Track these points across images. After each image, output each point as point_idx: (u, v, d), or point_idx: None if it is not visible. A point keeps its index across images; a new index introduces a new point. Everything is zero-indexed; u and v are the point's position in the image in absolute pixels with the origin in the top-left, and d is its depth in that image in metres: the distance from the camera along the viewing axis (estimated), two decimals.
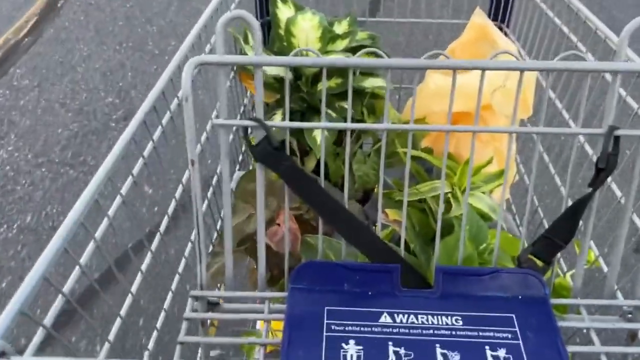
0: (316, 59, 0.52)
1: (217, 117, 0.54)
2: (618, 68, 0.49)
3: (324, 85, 0.53)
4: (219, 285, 0.74)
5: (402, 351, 0.51)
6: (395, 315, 0.55)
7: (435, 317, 0.54)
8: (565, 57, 0.52)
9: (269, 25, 1.11)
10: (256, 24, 0.51)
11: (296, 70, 0.90)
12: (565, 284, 0.74)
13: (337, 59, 0.52)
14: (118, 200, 0.53)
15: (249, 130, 0.55)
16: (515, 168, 1.01)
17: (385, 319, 0.54)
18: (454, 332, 0.53)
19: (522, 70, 0.51)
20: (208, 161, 1.13)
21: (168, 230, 0.66)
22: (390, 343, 0.52)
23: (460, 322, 0.54)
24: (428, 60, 0.51)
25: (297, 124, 0.55)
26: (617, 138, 0.52)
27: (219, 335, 0.73)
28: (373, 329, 0.53)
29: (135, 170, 0.57)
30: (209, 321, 0.71)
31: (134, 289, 0.57)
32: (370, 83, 0.92)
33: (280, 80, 0.89)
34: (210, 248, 0.84)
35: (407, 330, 0.53)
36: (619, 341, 0.57)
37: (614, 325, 0.54)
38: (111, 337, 0.51)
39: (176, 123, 0.64)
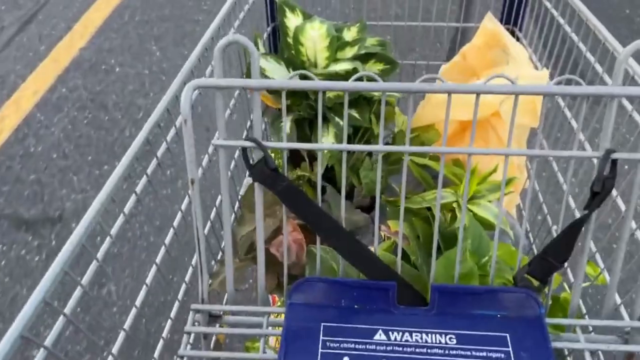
0: (313, 82, 0.53)
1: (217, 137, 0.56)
2: (615, 92, 0.49)
3: (319, 105, 0.54)
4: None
5: None
6: (390, 332, 0.56)
7: (429, 335, 0.55)
8: (563, 80, 0.51)
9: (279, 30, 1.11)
10: (253, 48, 0.52)
11: (305, 78, 0.90)
12: (569, 298, 0.74)
13: (334, 83, 0.52)
14: (127, 210, 0.55)
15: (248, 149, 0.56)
16: (526, 173, 1.01)
17: (380, 336, 0.55)
18: (447, 351, 0.54)
19: (516, 94, 0.51)
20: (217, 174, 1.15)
21: (174, 242, 0.68)
22: None
23: (454, 341, 0.55)
24: (423, 84, 0.52)
25: (293, 145, 0.56)
26: (614, 161, 0.52)
27: (229, 342, 0.76)
28: (367, 346, 0.54)
29: (138, 189, 0.59)
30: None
31: (138, 302, 0.60)
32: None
33: None
34: (220, 255, 0.86)
35: (400, 349, 0.54)
36: None
37: (608, 347, 0.54)
38: (115, 350, 0.53)
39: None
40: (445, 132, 0.54)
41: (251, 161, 0.56)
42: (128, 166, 0.53)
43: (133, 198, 0.58)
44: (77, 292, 0.48)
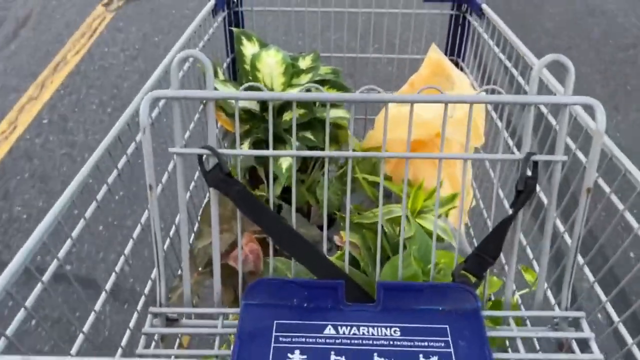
0: (262, 93, 0.58)
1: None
2: (531, 100, 0.55)
3: (270, 120, 0.59)
4: None
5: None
6: (339, 327, 0.59)
7: (375, 328, 0.59)
8: (486, 90, 0.57)
9: None
10: (207, 61, 0.57)
11: (262, 103, 0.96)
12: (514, 302, 0.80)
13: (282, 93, 0.57)
14: (88, 214, 0.58)
15: (204, 157, 0.60)
16: (472, 193, 1.07)
17: (329, 330, 0.59)
18: (391, 342, 0.57)
19: (445, 103, 0.56)
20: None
21: (134, 253, 0.71)
22: (332, 352, 0.56)
23: (398, 333, 0.58)
24: (363, 94, 0.57)
25: (246, 152, 0.61)
26: (535, 163, 0.58)
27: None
28: (318, 340, 0.58)
29: (99, 196, 0.62)
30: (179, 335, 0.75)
31: (97, 307, 0.62)
32: (332, 114, 0.98)
33: (247, 111, 0.94)
34: (179, 271, 0.89)
35: (348, 341, 0.58)
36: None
37: (537, 334, 0.59)
38: (73, 351, 0.55)
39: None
40: (385, 138, 0.60)
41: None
42: (91, 169, 0.57)
43: (93, 205, 0.61)
44: (38, 288, 0.50)
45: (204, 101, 0.99)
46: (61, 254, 0.54)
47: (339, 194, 0.99)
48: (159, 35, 3.24)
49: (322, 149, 1.01)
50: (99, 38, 3.22)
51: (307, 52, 1.04)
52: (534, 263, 0.80)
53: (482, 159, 0.57)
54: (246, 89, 0.60)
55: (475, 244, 1.09)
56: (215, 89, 0.98)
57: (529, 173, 0.58)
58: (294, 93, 0.56)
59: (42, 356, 0.41)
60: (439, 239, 0.85)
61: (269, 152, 0.61)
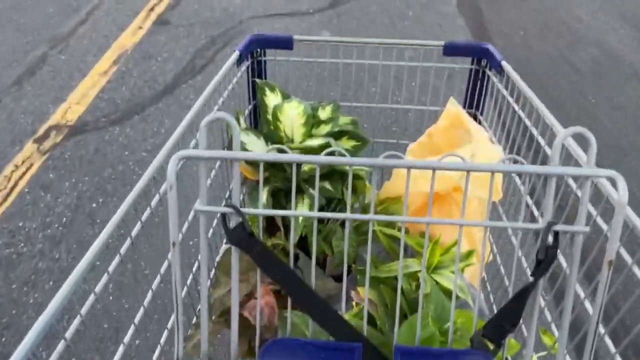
0: (288, 155, 0.59)
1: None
2: (552, 172, 0.56)
3: (294, 178, 0.60)
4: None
5: None
6: None
7: None
8: (510, 159, 0.58)
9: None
10: (234, 123, 0.58)
11: (281, 152, 0.97)
12: None
13: (307, 156, 0.58)
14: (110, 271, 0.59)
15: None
16: (489, 247, 1.07)
17: None
18: None
19: (468, 171, 0.57)
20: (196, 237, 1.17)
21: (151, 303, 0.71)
22: None
23: None
24: (386, 159, 0.58)
25: (269, 212, 0.61)
26: (556, 233, 0.58)
27: None
28: None
29: (122, 250, 0.63)
30: None
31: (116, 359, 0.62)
32: None
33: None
34: (195, 319, 0.89)
35: None
36: None
37: None
38: None
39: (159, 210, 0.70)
40: (406, 202, 0.60)
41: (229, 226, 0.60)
42: (116, 226, 0.58)
43: (117, 259, 0.61)
44: (61, 345, 0.51)
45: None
46: (84, 310, 0.55)
47: (354, 245, 1.00)
48: (101, 197, 2.09)
49: (340, 199, 1.03)
50: (18, 200, 2.08)
51: (327, 102, 1.06)
52: (552, 326, 0.79)
53: (503, 227, 0.57)
54: (271, 150, 0.61)
55: (492, 299, 1.08)
56: None
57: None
58: (318, 156, 0.57)
59: None
60: (456, 298, 0.84)
61: (291, 212, 0.62)
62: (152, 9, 3.67)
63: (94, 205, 2.08)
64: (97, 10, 3.66)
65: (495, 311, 1.07)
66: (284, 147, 0.61)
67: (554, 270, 0.63)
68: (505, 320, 0.60)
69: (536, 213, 0.90)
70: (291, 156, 0.58)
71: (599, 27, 3.55)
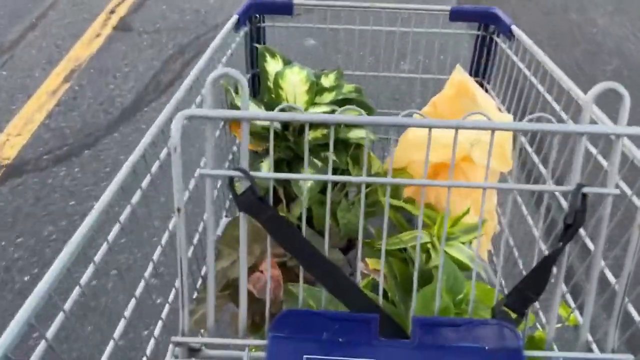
0: (299, 114, 0.55)
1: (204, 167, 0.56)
2: (582, 130, 0.53)
3: (306, 141, 0.56)
4: (202, 331, 0.75)
5: None
6: None
7: None
8: (535, 118, 0.55)
9: (259, 76, 1.15)
10: (243, 80, 0.54)
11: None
12: (544, 337, 0.76)
13: (319, 115, 0.55)
14: (111, 237, 0.55)
15: (235, 179, 0.57)
16: (497, 219, 1.04)
17: None
18: None
19: (493, 130, 0.54)
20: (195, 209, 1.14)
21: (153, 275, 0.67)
22: None
23: None
24: (405, 118, 0.54)
25: (281, 175, 0.58)
26: (584, 195, 0.55)
27: None
28: None
29: (122, 218, 0.59)
30: None
31: (116, 334, 0.58)
32: (355, 134, 0.95)
33: (268, 129, 0.92)
34: (195, 294, 0.85)
35: None
36: None
37: None
38: None
39: (163, 171, 0.66)
40: (427, 164, 0.57)
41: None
42: (115, 192, 0.54)
43: (117, 226, 0.57)
44: (60, 318, 0.47)
45: (227, 120, 0.97)
46: (83, 279, 0.51)
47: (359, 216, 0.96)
48: (35, 268, 1.64)
49: (344, 170, 0.99)
50: None
51: (330, 70, 1.02)
52: (568, 297, 0.76)
53: (529, 189, 0.54)
54: (280, 110, 0.57)
55: (498, 272, 1.06)
56: (236, 105, 0.95)
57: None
58: (332, 115, 0.53)
59: None
60: (467, 268, 0.82)
61: (302, 175, 0.58)
62: (112, 11, 3.22)
63: (26, 278, 1.60)
64: (52, 10, 3.18)
65: (504, 283, 1.04)
66: (295, 105, 0.57)
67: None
68: (529, 288, 0.57)
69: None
70: (304, 116, 0.55)
71: (617, 32, 3.12)
